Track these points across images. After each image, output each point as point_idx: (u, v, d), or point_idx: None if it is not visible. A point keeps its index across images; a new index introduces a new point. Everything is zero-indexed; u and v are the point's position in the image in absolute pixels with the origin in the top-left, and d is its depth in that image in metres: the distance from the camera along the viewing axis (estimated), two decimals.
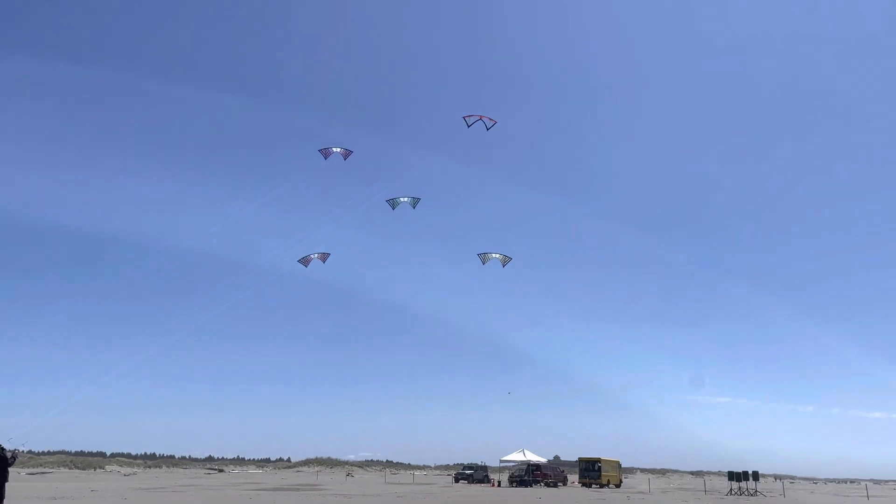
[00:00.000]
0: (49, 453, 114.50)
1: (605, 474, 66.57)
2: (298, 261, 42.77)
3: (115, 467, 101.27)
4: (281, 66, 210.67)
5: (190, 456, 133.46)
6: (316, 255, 42.62)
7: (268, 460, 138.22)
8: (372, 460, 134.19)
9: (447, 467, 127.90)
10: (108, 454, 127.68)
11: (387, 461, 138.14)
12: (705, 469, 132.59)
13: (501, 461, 71.78)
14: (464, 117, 40.12)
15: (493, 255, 41.64)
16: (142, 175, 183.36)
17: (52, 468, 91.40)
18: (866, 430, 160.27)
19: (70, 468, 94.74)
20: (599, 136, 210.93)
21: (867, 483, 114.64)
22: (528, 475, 66.74)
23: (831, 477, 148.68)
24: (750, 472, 55.65)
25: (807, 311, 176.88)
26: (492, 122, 39.97)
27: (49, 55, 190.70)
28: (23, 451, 22.53)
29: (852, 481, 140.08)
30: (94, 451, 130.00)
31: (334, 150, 41.95)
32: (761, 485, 65.57)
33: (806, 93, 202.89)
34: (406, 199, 41.63)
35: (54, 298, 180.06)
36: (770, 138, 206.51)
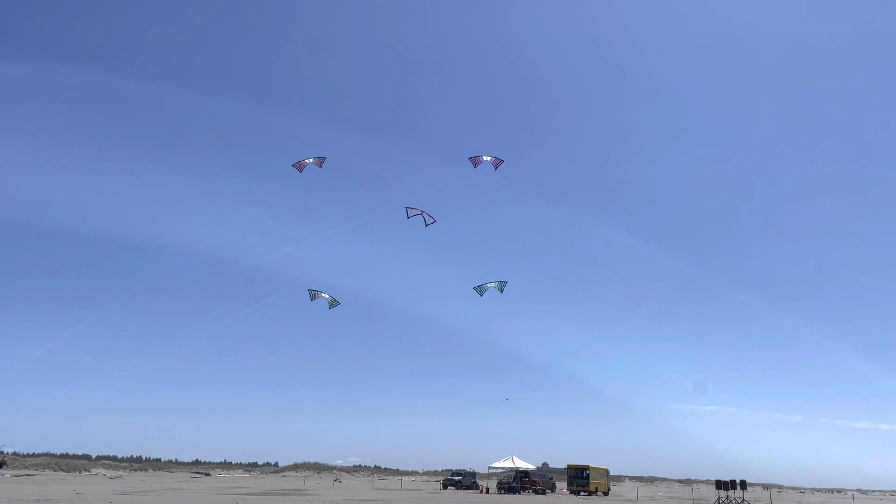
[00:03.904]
0: (34, 455, 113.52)
1: (594, 482, 66.49)
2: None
3: (101, 470, 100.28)
4: (283, 71, 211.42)
5: (176, 459, 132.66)
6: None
7: (255, 464, 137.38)
8: (360, 466, 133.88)
9: (435, 473, 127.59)
10: (93, 457, 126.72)
11: (375, 467, 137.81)
12: (693, 477, 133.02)
13: (490, 468, 71.63)
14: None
15: (490, 284, 42.31)
16: (144, 178, 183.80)
17: (37, 470, 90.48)
18: (853, 440, 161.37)
19: (55, 470, 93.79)
20: (605, 145, 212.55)
21: (854, 493, 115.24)
22: (516, 482, 66.61)
23: (818, 486, 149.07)
24: (738, 481, 55.69)
25: (797, 322, 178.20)
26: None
27: (52, 59, 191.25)
28: (7, 453, 22.38)
29: (839, 491, 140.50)
30: (80, 453, 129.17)
31: (307, 161, 41.84)
32: (749, 494, 65.69)
33: (812, 101, 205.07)
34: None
35: (45, 302, 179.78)
36: (775, 147, 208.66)
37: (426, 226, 41.48)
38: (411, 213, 41.29)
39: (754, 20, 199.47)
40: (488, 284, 42.34)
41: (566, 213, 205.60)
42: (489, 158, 42.27)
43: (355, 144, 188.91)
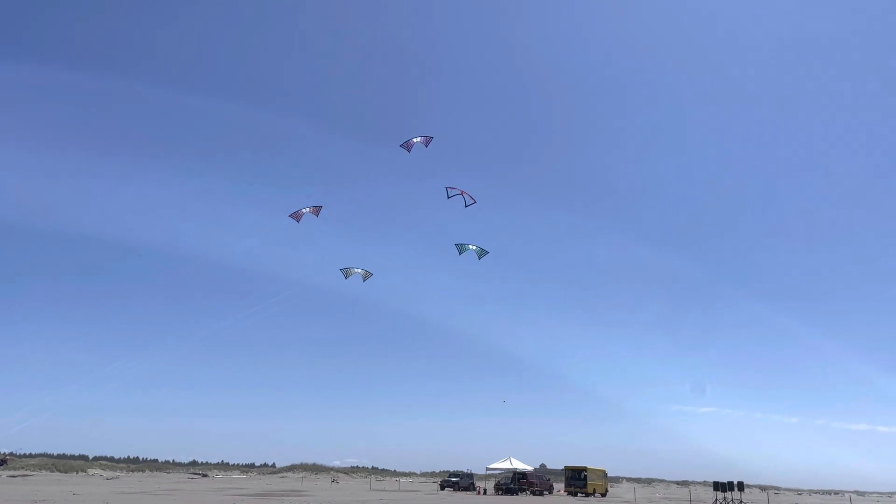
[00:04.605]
0: (31, 456, 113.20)
1: (591, 483, 66.47)
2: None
3: (98, 471, 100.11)
4: (284, 73, 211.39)
5: (174, 460, 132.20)
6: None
7: (252, 465, 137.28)
8: (357, 467, 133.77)
9: (433, 474, 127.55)
10: (90, 457, 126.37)
11: (372, 468, 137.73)
12: (691, 479, 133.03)
13: (488, 469, 71.62)
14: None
15: (470, 246, 41.34)
16: (144, 181, 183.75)
17: (34, 471, 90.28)
18: (850, 442, 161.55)
19: (52, 471, 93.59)
20: (607, 148, 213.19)
21: (851, 494, 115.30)
22: (514, 483, 66.60)
23: (815, 488, 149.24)
24: (735, 483, 55.75)
25: (795, 323, 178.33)
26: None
27: (52, 61, 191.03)
28: (6, 453, 22.30)
29: (836, 492, 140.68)
30: (77, 454, 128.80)
31: (304, 210, 41.55)
32: (746, 495, 65.77)
33: (813, 103, 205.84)
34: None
35: (43, 303, 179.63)
36: (775, 150, 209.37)
37: (466, 206, 40.20)
38: (451, 192, 40.23)
39: (762, 21, 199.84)
40: (470, 246, 41.50)
41: (568, 216, 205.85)
42: (419, 139, 41.59)
43: (356, 147, 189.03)
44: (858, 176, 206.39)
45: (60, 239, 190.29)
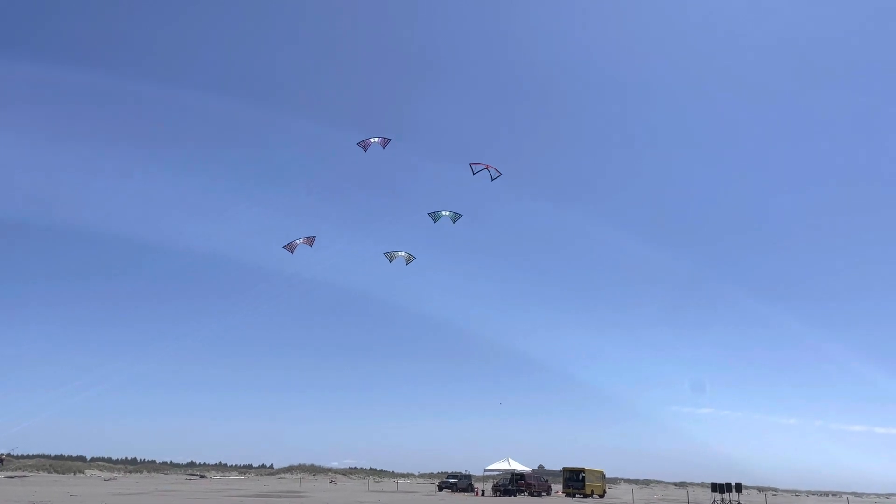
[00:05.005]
0: (28, 457, 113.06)
1: (589, 484, 66.48)
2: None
3: (95, 472, 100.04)
4: (283, 69, 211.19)
5: (171, 461, 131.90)
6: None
7: (250, 466, 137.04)
8: (355, 468, 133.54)
9: (431, 475, 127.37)
10: (88, 458, 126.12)
11: (370, 469, 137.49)
12: (689, 480, 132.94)
13: (486, 470, 71.61)
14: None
15: (444, 212, 41.68)
16: (143, 179, 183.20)
17: (31, 472, 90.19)
18: (848, 443, 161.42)
19: (49, 472, 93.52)
20: (605, 145, 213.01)
21: (849, 496, 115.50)
22: (512, 484, 66.62)
23: (813, 489, 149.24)
24: (733, 484, 55.85)
25: (793, 323, 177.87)
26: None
27: (52, 59, 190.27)
28: (13, 455, 22.14)
29: (834, 494, 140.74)
30: (74, 454, 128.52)
31: (298, 241, 41.82)
32: (744, 496, 65.83)
33: (815, 102, 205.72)
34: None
35: (43, 303, 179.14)
36: (777, 146, 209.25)
37: (492, 179, 40.60)
38: (476, 168, 40.58)
39: (768, 22, 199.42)
40: (443, 213, 41.73)
41: (567, 213, 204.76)
42: (376, 140, 41.71)
43: (354, 144, 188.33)
44: (861, 175, 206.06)
45: (58, 238, 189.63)
